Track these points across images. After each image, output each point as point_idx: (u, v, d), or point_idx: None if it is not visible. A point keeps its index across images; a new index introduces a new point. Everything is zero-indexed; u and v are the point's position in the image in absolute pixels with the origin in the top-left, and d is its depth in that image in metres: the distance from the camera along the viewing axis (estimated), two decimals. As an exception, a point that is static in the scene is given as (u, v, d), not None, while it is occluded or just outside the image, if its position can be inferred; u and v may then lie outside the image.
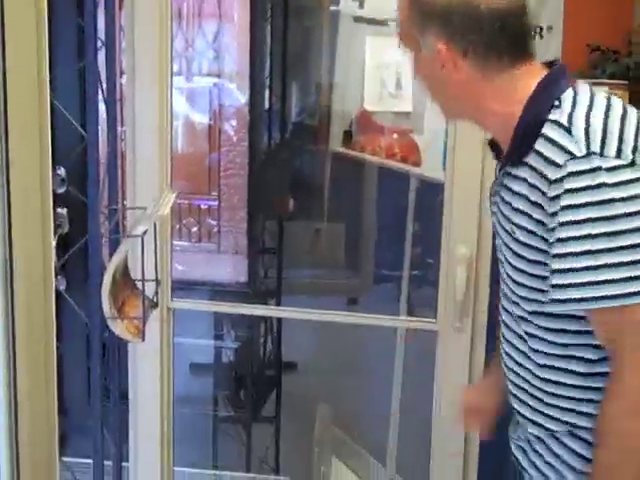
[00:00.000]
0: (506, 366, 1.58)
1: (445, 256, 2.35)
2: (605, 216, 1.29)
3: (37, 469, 1.78)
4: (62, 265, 2.52)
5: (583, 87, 1.42)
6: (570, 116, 1.34)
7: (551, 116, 1.36)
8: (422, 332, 2.52)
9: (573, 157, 1.30)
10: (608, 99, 1.40)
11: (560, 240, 1.33)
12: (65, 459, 2.24)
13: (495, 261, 2.16)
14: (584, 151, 1.30)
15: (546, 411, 1.49)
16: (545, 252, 1.37)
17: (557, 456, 1.49)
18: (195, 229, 3.32)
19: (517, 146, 1.41)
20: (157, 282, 1.94)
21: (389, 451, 3.09)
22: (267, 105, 4.00)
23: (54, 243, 2.11)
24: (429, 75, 1.48)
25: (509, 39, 1.40)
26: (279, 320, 3.63)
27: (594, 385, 1.43)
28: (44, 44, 1.71)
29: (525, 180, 1.39)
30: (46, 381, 1.81)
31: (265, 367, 3.71)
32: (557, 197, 1.31)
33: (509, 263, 1.47)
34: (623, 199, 1.28)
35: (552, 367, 1.46)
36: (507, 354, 1.57)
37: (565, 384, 1.46)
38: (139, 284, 1.82)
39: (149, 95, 2.39)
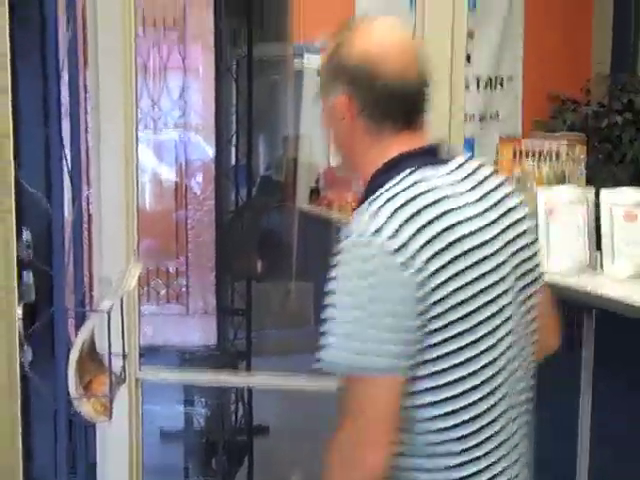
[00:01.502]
0: None
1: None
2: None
3: None
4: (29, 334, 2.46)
5: (417, 175, 1.43)
6: (377, 197, 1.40)
7: (381, 189, 1.42)
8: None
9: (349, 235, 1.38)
10: (423, 193, 1.40)
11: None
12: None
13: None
14: (362, 233, 1.36)
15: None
16: None
17: None
18: (163, 292, 3.27)
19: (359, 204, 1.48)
20: (124, 357, 1.90)
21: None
22: (233, 161, 3.98)
23: (20, 313, 2.05)
24: (332, 126, 1.54)
25: (401, 110, 1.47)
26: (249, 383, 3.56)
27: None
28: (8, 111, 1.68)
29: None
30: (12, 459, 1.75)
31: (236, 432, 3.63)
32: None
33: None
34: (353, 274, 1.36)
35: None
36: None
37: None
38: (106, 358, 1.78)
39: (115, 159, 2.35)
